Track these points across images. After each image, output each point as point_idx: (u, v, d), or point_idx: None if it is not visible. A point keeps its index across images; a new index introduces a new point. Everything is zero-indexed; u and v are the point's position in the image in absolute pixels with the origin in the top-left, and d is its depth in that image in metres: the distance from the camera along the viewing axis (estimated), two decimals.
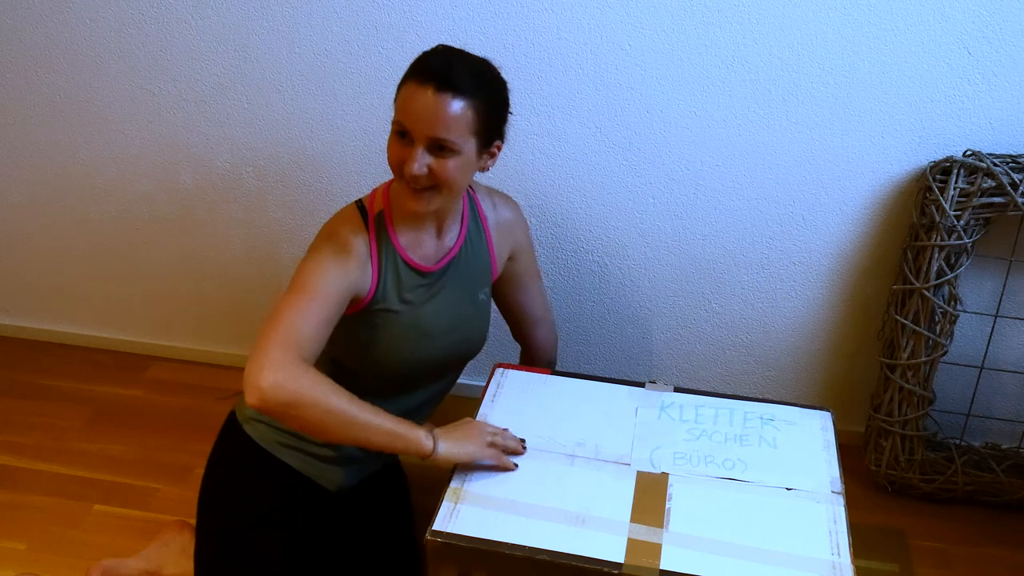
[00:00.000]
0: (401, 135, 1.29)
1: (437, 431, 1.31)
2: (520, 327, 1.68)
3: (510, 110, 1.38)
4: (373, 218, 1.39)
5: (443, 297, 1.45)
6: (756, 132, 1.74)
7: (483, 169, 1.37)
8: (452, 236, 1.45)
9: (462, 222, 1.47)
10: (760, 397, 1.47)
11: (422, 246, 1.42)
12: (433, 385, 1.53)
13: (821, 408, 1.46)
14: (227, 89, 1.88)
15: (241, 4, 1.78)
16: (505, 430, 1.36)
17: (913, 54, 1.62)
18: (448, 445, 1.29)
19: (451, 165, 1.28)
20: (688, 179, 1.80)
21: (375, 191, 1.43)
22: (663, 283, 1.93)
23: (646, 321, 1.98)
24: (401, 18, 1.74)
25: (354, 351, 1.43)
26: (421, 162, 1.27)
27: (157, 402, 2.11)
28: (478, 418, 1.42)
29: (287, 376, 1.19)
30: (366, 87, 1.81)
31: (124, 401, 2.11)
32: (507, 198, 1.58)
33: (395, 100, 1.31)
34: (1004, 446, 1.90)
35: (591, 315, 2.00)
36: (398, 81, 1.31)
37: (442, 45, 1.35)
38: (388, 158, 1.32)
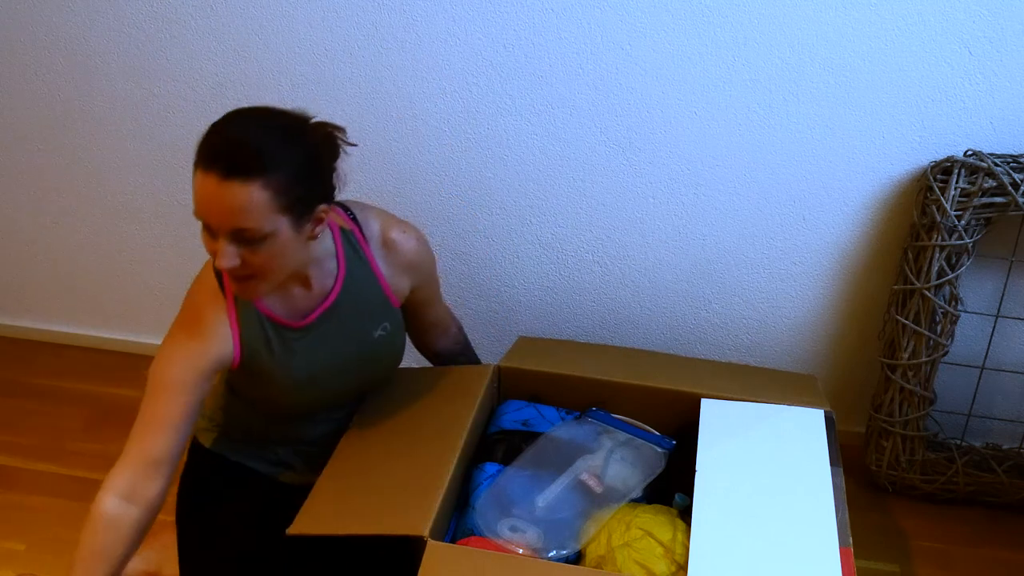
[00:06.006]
0: (205, 227, 1.18)
1: None
2: (419, 341, 1.63)
3: (331, 164, 1.25)
4: (228, 282, 1.29)
5: (328, 345, 1.37)
6: (756, 132, 1.73)
7: (312, 238, 1.25)
8: (327, 281, 1.35)
9: (339, 263, 1.36)
10: (760, 397, 1.47)
11: (290, 301, 1.34)
12: (351, 405, 1.51)
13: (821, 408, 1.46)
14: (227, 89, 1.88)
15: (241, 4, 1.78)
16: None
17: (914, 54, 1.62)
18: None
19: (264, 253, 1.18)
20: (688, 179, 1.80)
21: None
22: (663, 284, 1.93)
23: (646, 322, 1.98)
24: (401, 18, 1.73)
25: (251, 398, 1.44)
26: (229, 256, 1.17)
27: None
28: None
29: (104, 505, 1.22)
30: (365, 86, 1.81)
31: (124, 401, 2.11)
32: (407, 230, 1.43)
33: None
34: (1005, 446, 1.90)
35: (591, 316, 2.00)
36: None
37: (232, 113, 1.21)
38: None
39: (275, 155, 1.15)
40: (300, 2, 1.76)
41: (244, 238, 1.16)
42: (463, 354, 1.70)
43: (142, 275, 2.16)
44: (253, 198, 1.13)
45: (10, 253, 2.20)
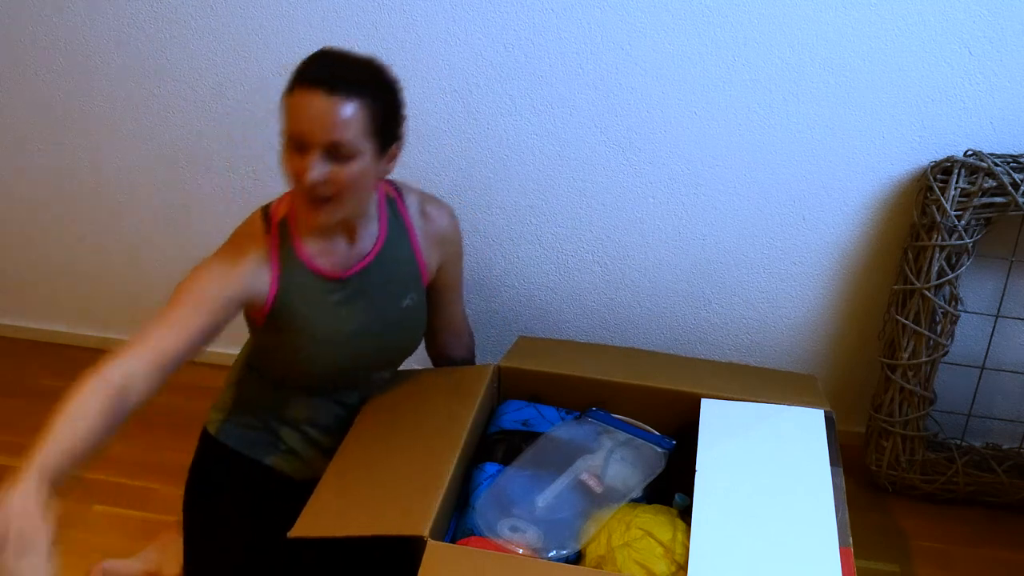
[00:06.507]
0: (295, 145, 1.25)
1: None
2: (431, 340, 1.66)
3: (405, 110, 1.34)
4: (276, 226, 1.37)
5: (359, 303, 1.42)
6: (756, 132, 1.73)
7: (384, 173, 1.34)
8: (368, 241, 1.42)
9: (380, 226, 1.43)
10: (760, 397, 1.47)
11: (332, 253, 1.39)
12: (367, 378, 1.54)
13: (821, 408, 1.46)
14: (227, 89, 1.88)
15: (241, 4, 1.78)
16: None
17: (914, 53, 1.62)
18: None
19: (349, 171, 1.25)
20: (688, 179, 1.80)
21: (284, 195, 1.40)
22: (663, 284, 1.93)
23: (646, 322, 1.98)
24: (401, 18, 1.73)
25: (273, 359, 1.45)
26: (319, 170, 1.23)
27: (156, 402, 2.08)
28: None
29: (109, 377, 1.19)
30: None
31: None
32: (442, 206, 1.52)
33: (282, 112, 1.26)
34: (1005, 446, 1.90)
35: (591, 316, 2.00)
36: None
37: (326, 47, 1.30)
38: (285, 172, 1.28)
39: (372, 83, 1.26)
40: (300, 2, 1.76)
41: (338, 153, 1.23)
42: (467, 363, 1.73)
43: (142, 275, 2.16)
44: (353, 114, 1.23)
45: (10, 253, 2.20)
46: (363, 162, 1.26)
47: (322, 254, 1.38)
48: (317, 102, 1.21)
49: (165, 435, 2.00)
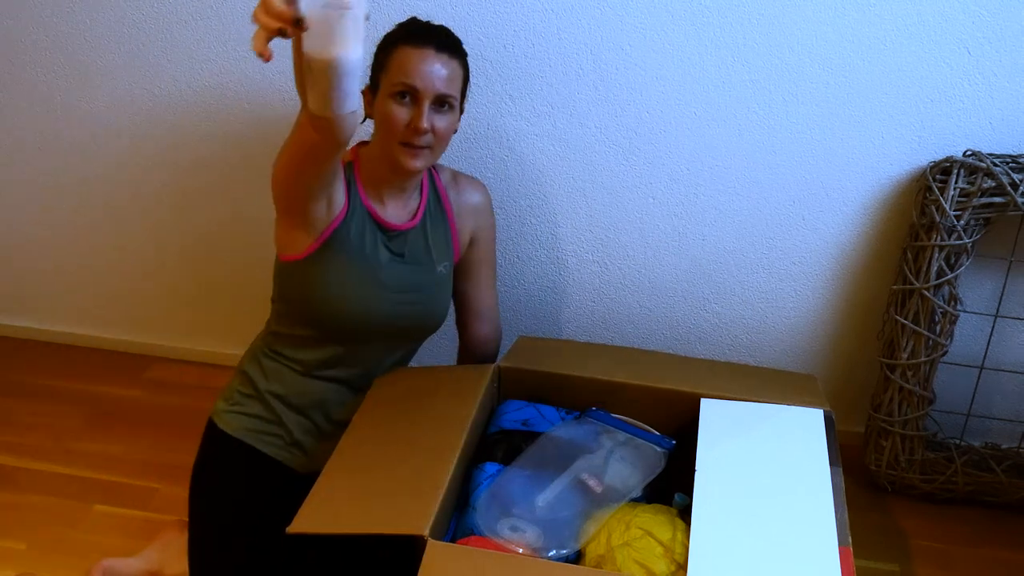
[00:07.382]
0: (402, 96, 1.38)
1: None
2: (461, 316, 1.71)
3: None
4: (343, 166, 1.45)
5: (400, 259, 1.51)
6: (756, 132, 1.74)
7: (454, 131, 1.47)
8: (413, 205, 1.53)
9: (422, 193, 1.54)
10: (760, 397, 1.48)
11: (384, 208, 1.49)
12: (384, 355, 1.56)
13: (821, 408, 1.46)
14: (227, 89, 1.88)
15: (241, 4, 1.78)
16: None
17: (913, 54, 1.62)
18: None
19: (448, 121, 1.42)
20: (688, 179, 1.80)
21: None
22: (663, 283, 1.93)
23: (646, 322, 1.98)
24: (400, 17, 1.73)
25: (308, 299, 1.46)
26: (430, 118, 1.39)
27: (157, 402, 2.11)
28: None
29: None
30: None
31: (124, 401, 2.11)
32: (475, 182, 1.64)
33: (384, 65, 1.40)
34: (1004, 446, 1.90)
35: (591, 315, 2.00)
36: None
37: (412, 17, 1.47)
38: (386, 122, 1.39)
39: (462, 49, 1.45)
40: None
41: (444, 103, 1.41)
42: (491, 357, 1.75)
43: (141, 274, 2.16)
44: (457, 71, 1.42)
45: (10, 253, 2.20)
46: (455, 116, 1.44)
47: (378, 206, 1.49)
48: (432, 58, 1.38)
49: (167, 435, 2.00)
